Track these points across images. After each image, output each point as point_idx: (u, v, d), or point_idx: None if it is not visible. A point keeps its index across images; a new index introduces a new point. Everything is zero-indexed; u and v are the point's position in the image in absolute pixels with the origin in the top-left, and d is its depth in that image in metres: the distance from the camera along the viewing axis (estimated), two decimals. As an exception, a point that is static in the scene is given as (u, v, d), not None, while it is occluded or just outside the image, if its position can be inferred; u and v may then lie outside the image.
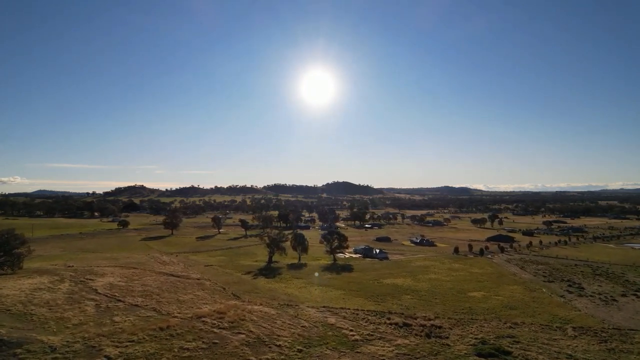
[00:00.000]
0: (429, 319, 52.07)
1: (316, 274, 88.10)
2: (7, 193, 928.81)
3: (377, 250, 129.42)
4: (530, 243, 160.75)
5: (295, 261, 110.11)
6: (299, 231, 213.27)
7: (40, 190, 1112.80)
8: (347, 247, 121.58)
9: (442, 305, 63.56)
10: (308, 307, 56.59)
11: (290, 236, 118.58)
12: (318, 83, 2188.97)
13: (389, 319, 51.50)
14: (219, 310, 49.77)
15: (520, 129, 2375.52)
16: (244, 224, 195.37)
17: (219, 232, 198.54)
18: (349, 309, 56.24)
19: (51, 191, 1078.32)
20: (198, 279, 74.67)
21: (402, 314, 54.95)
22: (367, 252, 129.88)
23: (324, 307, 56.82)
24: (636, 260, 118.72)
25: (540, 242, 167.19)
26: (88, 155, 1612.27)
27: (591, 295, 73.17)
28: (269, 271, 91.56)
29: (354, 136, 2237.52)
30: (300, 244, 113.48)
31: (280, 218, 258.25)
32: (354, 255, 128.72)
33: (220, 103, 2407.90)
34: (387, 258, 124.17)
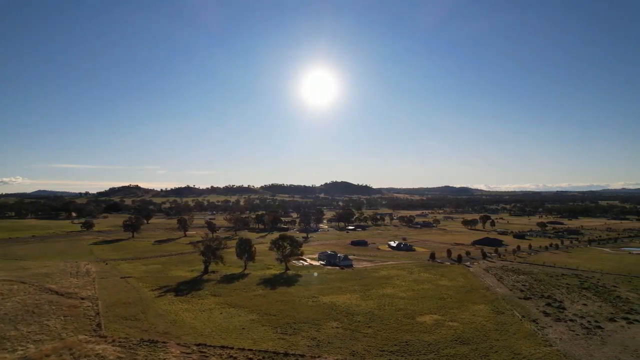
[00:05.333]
0: (332, 368, 37.30)
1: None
2: (4, 193, 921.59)
3: (341, 257, 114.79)
4: (518, 247, 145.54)
5: (239, 270, 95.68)
6: (277, 234, 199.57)
7: (39, 191, 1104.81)
8: (301, 254, 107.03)
9: (372, 338, 48.79)
10: (178, 344, 42.09)
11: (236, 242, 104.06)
12: (318, 82, 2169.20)
13: (273, 367, 36.78)
14: (30, 356, 35.35)
15: (522, 129, 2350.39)
16: (210, 226, 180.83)
17: (185, 235, 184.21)
18: (231, 348, 41.64)
19: (50, 191, 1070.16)
20: (81, 299, 60.31)
21: (301, 357, 40.20)
22: (330, 259, 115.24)
23: (199, 344, 42.30)
24: (632, 268, 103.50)
25: (530, 246, 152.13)
26: (92, 156, 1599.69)
27: (571, 320, 58.26)
28: (191, 285, 77.08)
29: (355, 136, 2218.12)
30: (246, 251, 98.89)
31: (257, 220, 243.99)
32: (314, 263, 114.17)
33: (221, 103, 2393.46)
34: (350, 266, 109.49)
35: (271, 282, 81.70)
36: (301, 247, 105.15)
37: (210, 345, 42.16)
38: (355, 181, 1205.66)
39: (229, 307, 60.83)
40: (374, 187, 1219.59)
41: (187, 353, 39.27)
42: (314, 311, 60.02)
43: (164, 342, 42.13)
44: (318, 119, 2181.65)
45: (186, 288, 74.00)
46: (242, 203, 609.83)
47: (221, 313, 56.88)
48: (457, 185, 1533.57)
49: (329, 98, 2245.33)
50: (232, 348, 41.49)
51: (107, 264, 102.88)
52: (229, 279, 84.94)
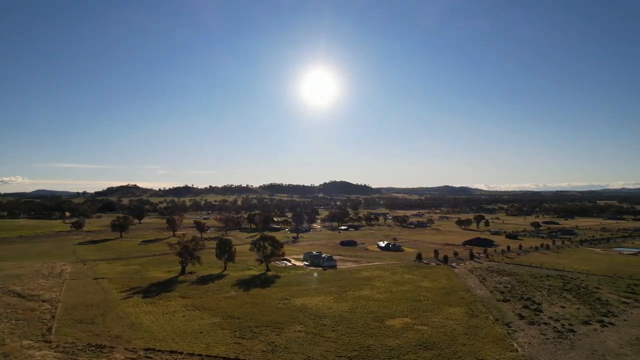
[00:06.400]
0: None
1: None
2: (3, 193, 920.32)
3: (325, 258, 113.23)
4: (508, 248, 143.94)
5: (218, 271, 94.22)
6: (267, 233, 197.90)
7: (39, 190, 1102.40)
8: (282, 255, 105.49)
9: (333, 342, 47.22)
10: (126, 349, 40.65)
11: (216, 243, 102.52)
12: (318, 82, 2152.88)
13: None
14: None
15: (522, 129, 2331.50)
16: (199, 226, 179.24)
17: (174, 235, 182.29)
18: (180, 353, 40.20)
19: (50, 191, 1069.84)
20: (42, 302, 58.92)
21: (249, 362, 38.62)
22: (314, 260, 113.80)
23: (148, 349, 40.88)
24: (619, 269, 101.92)
25: (520, 246, 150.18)
26: (92, 156, 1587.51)
27: (545, 323, 56.66)
28: (163, 287, 75.64)
29: (355, 136, 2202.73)
30: (226, 252, 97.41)
31: (249, 220, 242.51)
32: (298, 264, 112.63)
33: (221, 103, 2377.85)
34: (334, 267, 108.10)
35: (247, 284, 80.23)
36: (282, 247, 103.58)
37: (159, 350, 40.65)
38: (354, 181, 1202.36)
39: (195, 309, 59.33)
40: (373, 186, 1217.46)
41: (133, 359, 37.76)
42: (281, 314, 58.48)
43: (111, 347, 40.64)
44: (318, 118, 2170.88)
45: (157, 289, 72.54)
46: (239, 203, 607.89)
47: (184, 316, 55.37)
48: (457, 185, 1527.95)
49: (328, 98, 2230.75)
50: (181, 353, 40.01)
51: (85, 264, 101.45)
52: (205, 280, 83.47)
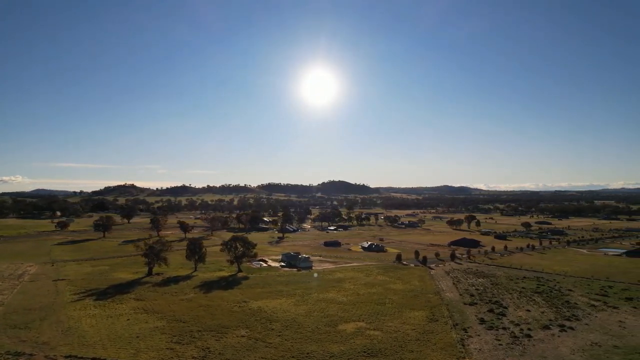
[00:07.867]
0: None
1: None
2: (2, 192, 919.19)
3: (302, 258, 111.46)
4: (493, 249, 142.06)
5: (188, 272, 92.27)
6: (254, 233, 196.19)
7: (38, 190, 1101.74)
8: (255, 255, 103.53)
9: (273, 348, 45.26)
10: (46, 356, 38.92)
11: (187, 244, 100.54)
12: (318, 82, 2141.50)
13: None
14: None
15: (522, 129, 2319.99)
16: (182, 226, 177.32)
17: (158, 235, 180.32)
18: (102, 360, 38.18)
19: (49, 190, 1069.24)
20: (-16, 305, 56.97)
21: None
22: (291, 260, 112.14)
23: (69, 356, 38.96)
24: (599, 270, 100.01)
25: (505, 247, 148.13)
26: (92, 155, 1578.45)
27: (505, 328, 54.66)
28: (122, 288, 73.76)
29: (354, 135, 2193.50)
30: (196, 253, 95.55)
31: (238, 220, 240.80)
32: (273, 264, 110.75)
33: (220, 102, 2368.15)
34: (310, 268, 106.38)
35: (210, 285, 78.27)
36: (254, 248, 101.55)
37: (80, 357, 38.80)
38: (353, 181, 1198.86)
39: (143, 312, 57.40)
40: (372, 186, 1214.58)
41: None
42: (232, 318, 56.53)
43: (30, 355, 38.81)
44: (317, 118, 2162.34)
45: (114, 291, 70.63)
46: (235, 202, 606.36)
47: (128, 319, 53.43)
48: (457, 185, 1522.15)
49: (328, 98, 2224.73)
50: (103, 361, 38.10)
51: (53, 265, 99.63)
52: (170, 281, 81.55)
